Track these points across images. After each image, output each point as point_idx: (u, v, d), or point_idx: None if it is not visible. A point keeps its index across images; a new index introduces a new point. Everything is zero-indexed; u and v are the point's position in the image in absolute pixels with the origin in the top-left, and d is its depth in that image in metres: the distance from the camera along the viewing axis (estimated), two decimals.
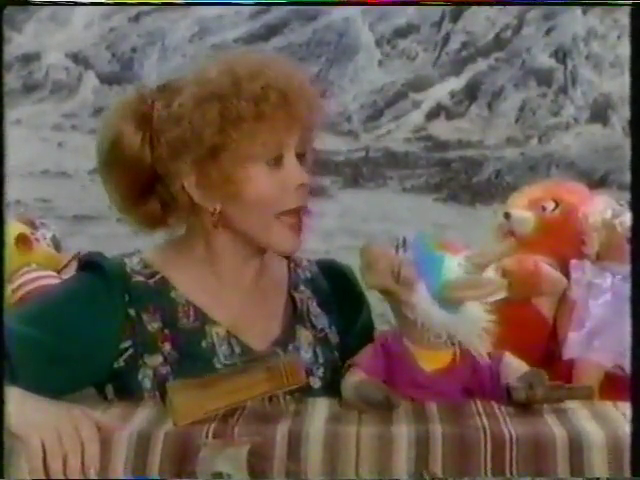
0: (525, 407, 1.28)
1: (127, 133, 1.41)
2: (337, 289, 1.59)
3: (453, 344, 1.30)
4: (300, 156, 1.44)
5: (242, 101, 1.36)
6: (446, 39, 3.41)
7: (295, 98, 1.39)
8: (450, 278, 1.26)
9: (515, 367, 1.33)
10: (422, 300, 1.27)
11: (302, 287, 1.56)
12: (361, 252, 1.31)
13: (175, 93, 1.41)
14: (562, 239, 1.65)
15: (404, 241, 1.30)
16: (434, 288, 1.26)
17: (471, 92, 3.41)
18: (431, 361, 1.31)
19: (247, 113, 1.36)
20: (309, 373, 1.43)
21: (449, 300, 1.27)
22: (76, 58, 3.43)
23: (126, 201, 1.45)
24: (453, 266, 1.27)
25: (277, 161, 1.41)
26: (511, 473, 1.17)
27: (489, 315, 1.28)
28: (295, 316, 1.53)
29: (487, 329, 1.28)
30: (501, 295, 1.28)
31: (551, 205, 1.66)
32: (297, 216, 1.44)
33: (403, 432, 1.19)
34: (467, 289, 1.26)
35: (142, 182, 1.42)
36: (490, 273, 1.29)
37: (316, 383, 1.47)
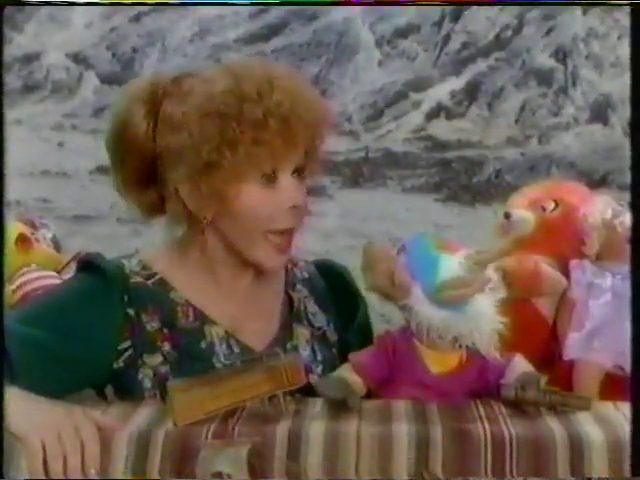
0: (526, 408, 1.28)
1: (137, 115, 1.41)
2: (334, 288, 1.60)
3: (461, 347, 1.30)
4: (300, 170, 1.43)
5: (242, 124, 1.35)
6: (446, 39, 3.41)
7: (297, 123, 1.38)
8: (446, 278, 1.26)
9: (519, 369, 1.32)
10: (417, 302, 1.27)
11: (299, 286, 1.57)
12: (364, 251, 1.32)
13: (185, 93, 1.40)
14: (562, 239, 1.64)
15: (403, 246, 1.30)
16: (430, 289, 1.26)
17: (471, 92, 3.41)
18: (439, 363, 1.31)
19: (245, 137, 1.36)
20: (308, 371, 1.43)
21: (446, 300, 1.26)
22: (76, 58, 3.43)
23: (128, 185, 1.45)
24: (451, 266, 1.27)
25: (271, 180, 1.40)
26: (511, 473, 1.17)
27: (500, 317, 1.28)
28: (292, 315, 1.53)
29: (498, 330, 1.28)
30: (497, 289, 1.28)
31: (551, 205, 1.66)
32: (285, 237, 1.44)
33: (403, 432, 1.19)
34: (460, 287, 1.26)
35: (144, 169, 1.43)
36: (490, 273, 1.29)
37: (315, 381, 1.47)
